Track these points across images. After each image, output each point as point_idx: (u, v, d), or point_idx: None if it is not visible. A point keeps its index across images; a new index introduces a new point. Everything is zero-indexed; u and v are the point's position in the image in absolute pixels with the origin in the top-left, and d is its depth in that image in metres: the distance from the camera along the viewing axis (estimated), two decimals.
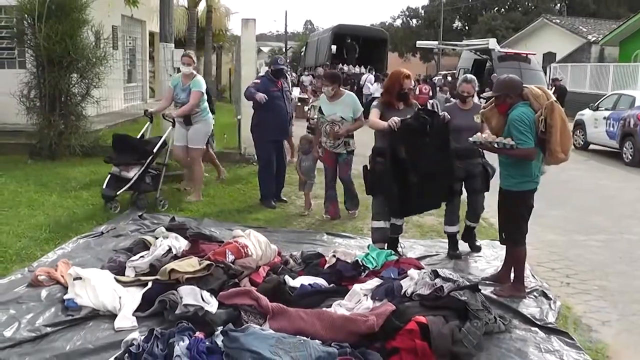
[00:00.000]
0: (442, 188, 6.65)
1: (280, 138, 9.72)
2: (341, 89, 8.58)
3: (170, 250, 6.19)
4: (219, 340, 4.04)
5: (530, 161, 5.64)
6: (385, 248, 6.60)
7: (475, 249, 7.25)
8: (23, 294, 5.53)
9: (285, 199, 9.71)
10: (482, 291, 5.31)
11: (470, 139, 5.94)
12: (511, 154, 5.69)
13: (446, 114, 6.56)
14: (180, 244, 6.37)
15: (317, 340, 4.10)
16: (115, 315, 5.12)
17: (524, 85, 5.83)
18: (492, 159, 6.51)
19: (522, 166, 5.70)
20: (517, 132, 5.56)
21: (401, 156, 6.34)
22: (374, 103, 6.96)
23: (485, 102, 6.34)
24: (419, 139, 6.32)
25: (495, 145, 5.73)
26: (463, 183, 6.95)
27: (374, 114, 6.73)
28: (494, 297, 5.79)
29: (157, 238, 6.54)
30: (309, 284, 5.46)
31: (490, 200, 6.67)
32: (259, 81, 9.51)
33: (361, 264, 5.90)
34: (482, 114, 6.09)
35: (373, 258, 6.05)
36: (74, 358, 4.48)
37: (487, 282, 6.25)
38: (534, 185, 5.81)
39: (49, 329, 4.89)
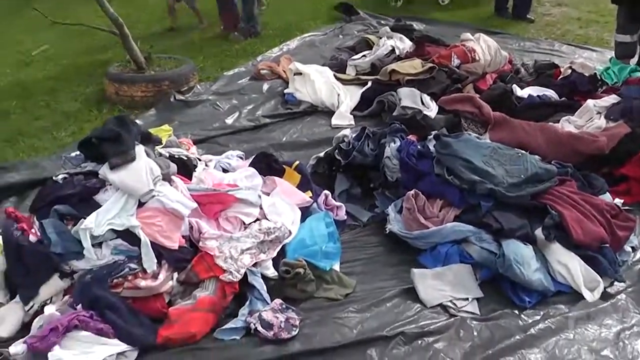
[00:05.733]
0: None
1: None
2: None
3: (393, 50, 6.03)
4: (431, 145, 3.84)
5: None
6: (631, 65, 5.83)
7: None
8: (246, 86, 5.77)
9: None
10: None
11: None
12: None
13: None
14: (404, 45, 6.18)
15: (536, 156, 3.75)
16: (333, 112, 5.13)
17: None
18: None
19: None
20: None
21: None
22: None
23: None
24: None
25: None
26: None
27: None
28: None
29: (380, 38, 6.36)
30: (537, 95, 5.00)
31: None
32: None
33: (599, 77, 5.27)
34: None
35: (614, 72, 5.35)
36: (288, 148, 4.61)
37: None
38: None
39: (267, 120, 5.05)
